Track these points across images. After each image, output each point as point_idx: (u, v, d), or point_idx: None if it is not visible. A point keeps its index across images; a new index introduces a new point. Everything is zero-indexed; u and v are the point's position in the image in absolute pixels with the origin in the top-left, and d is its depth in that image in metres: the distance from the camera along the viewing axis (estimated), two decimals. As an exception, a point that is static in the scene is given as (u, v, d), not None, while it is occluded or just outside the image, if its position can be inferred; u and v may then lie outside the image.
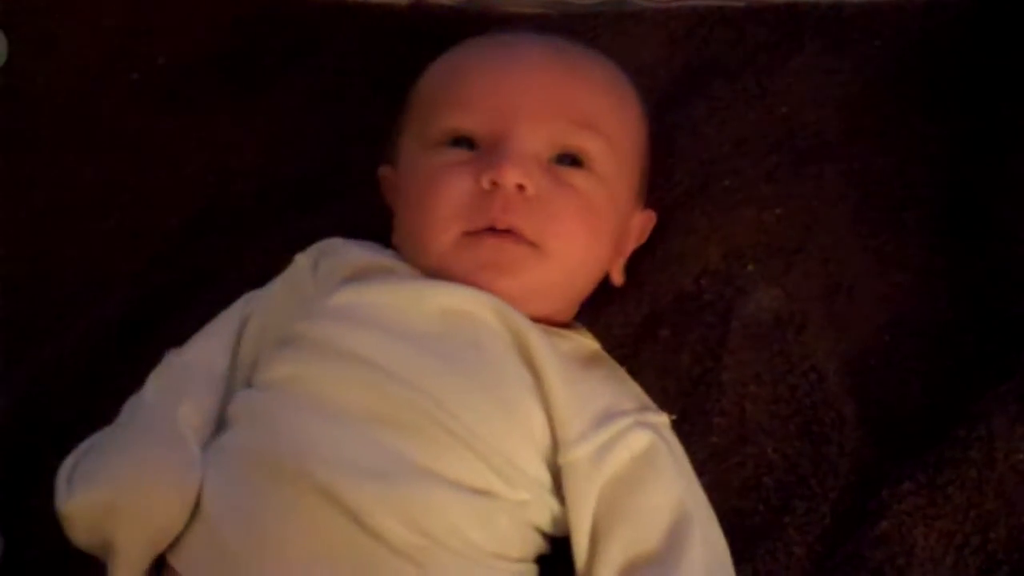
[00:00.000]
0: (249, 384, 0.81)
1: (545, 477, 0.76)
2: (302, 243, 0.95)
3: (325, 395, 0.75)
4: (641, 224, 0.90)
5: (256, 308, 0.86)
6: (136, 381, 0.93)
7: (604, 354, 0.86)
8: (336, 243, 0.87)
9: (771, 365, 0.87)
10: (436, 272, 0.80)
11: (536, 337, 0.77)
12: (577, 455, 0.76)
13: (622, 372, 0.85)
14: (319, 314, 0.79)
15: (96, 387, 0.95)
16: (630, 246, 0.90)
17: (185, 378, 0.82)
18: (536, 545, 0.77)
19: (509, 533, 0.75)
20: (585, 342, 0.85)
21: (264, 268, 0.93)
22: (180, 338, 0.93)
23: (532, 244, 0.79)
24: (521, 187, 0.78)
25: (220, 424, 0.80)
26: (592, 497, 0.75)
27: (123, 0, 1.10)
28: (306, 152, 1.04)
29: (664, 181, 0.94)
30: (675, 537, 0.75)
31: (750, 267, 0.91)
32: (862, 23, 0.99)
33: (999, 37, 0.96)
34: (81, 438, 0.92)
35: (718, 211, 0.93)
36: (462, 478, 0.73)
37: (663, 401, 0.84)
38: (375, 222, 0.94)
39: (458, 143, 0.82)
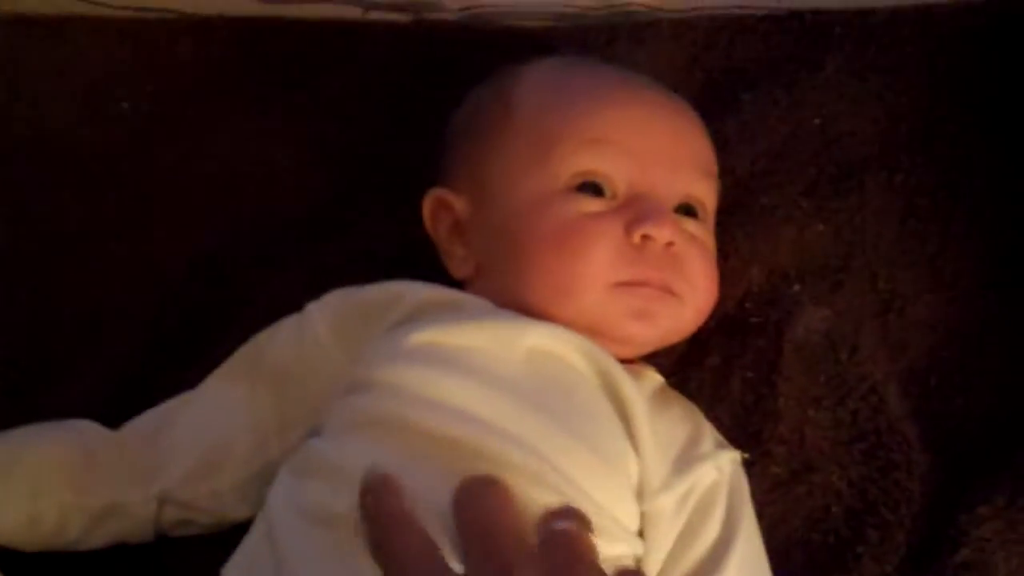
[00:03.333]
0: (317, 433, 0.75)
1: (637, 523, 0.73)
2: (319, 275, 0.90)
3: (413, 451, 0.69)
4: None
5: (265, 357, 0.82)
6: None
7: (672, 390, 0.82)
8: (380, 287, 0.80)
9: (828, 389, 0.85)
10: (577, 317, 0.76)
11: (626, 380, 0.74)
12: (662, 505, 0.73)
13: (693, 407, 0.82)
14: (395, 356, 0.73)
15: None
16: None
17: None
18: None
19: None
20: (654, 377, 0.82)
21: (281, 304, 0.88)
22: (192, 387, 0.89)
23: (676, 295, 0.77)
24: (671, 243, 0.76)
25: (291, 471, 0.74)
26: (671, 543, 0.74)
27: (105, 31, 1.02)
28: (312, 178, 0.97)
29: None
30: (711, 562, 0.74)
31: (796, 287, 0.88)
32: (890, 29, 0.96)
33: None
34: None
35: (758, 230, 0.90)
36: None
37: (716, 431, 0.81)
38: (393, 250, 0.90)
39: (585, 187, 0.77)
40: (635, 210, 0.76)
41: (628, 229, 0.76)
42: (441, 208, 0.83)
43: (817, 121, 0.94)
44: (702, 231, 0.81)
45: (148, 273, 0.93)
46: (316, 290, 0.86)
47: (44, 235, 0.94)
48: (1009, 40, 0.95)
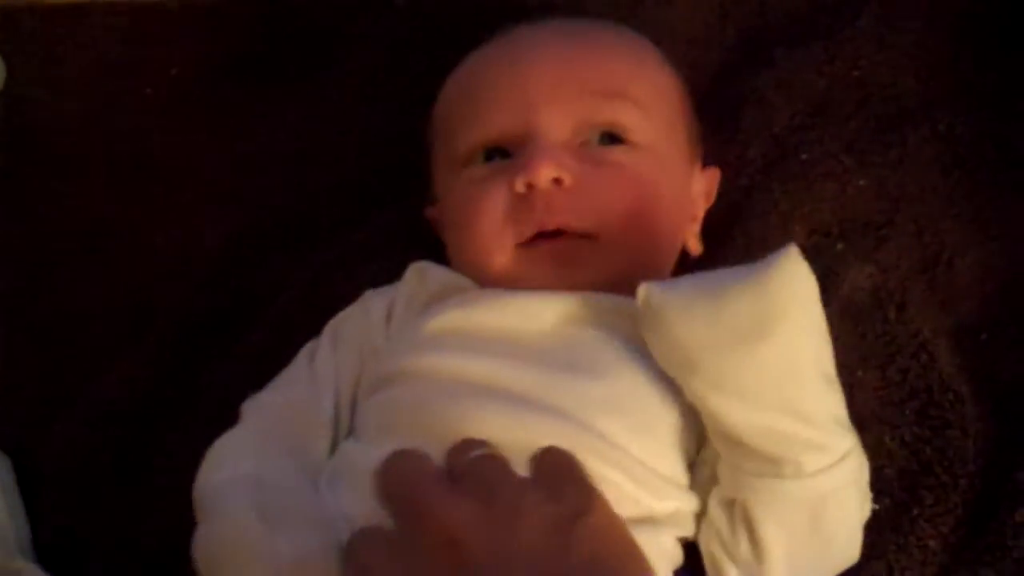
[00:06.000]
0: (350, 433, 0.74)
1: (684, 476, 0.71)
2: (352, 257, 0.90)
3: (442, 444, 0.66)
4: (706, 184, 0.85)
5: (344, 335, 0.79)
6: (187, 417, 0.87)
7: None
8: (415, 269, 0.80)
9: (877, 348, 0.82)
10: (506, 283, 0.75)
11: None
12: None
13: None
14: (419, 345, 0.73)
15: (146, 427, 0.89)
16: (700, 209, 0.85)
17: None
18: (679, 558, 0.72)
19: (667, 552, 0.70)
20: None
21: (316, 286, 0.88)
22: (232, 372, 0.87)
23: (587, 236, 0.74)
24: (558, 180, 0.73)
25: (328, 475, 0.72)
26: None
27: (125, 15, 1.02)
28: (343, 156, 0.96)
29: (736, 159, 0.89)
30: None
31: (839, 245, 0.85)
32: (927, -25, 0.94)
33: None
34: (140, 479, 0.86)
35: (798, 187, 0.87)
36: (619, 511, 0.67)
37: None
38: (426, 228, 0.88)
39: (491, 157, 0.77)
40: (514, 162, 0.75)
41: (511, 183, 0.74)
42: (434, 224, 0.85)
43: (855, 73, 0.91)
44: (634, 155, 0.77)
45: (181, 256, 0.93)
46: (351, 268, 0.86)
47: (75, 222, 0.95)
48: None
